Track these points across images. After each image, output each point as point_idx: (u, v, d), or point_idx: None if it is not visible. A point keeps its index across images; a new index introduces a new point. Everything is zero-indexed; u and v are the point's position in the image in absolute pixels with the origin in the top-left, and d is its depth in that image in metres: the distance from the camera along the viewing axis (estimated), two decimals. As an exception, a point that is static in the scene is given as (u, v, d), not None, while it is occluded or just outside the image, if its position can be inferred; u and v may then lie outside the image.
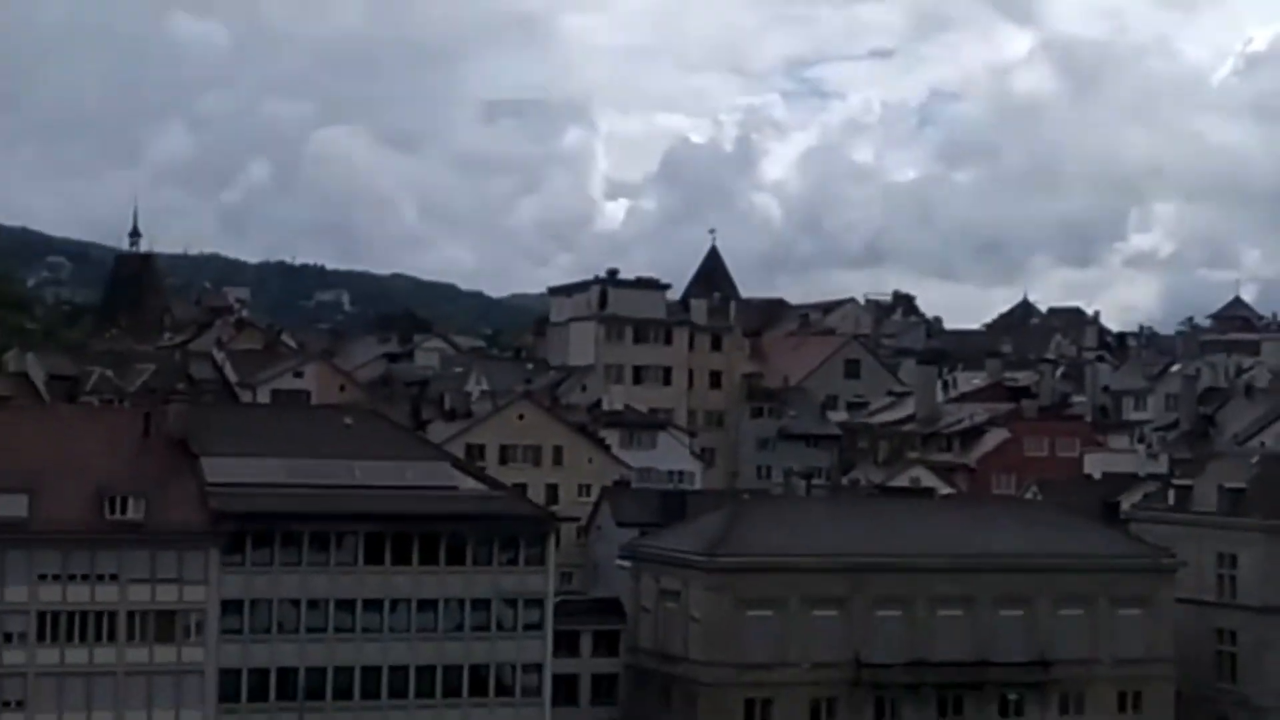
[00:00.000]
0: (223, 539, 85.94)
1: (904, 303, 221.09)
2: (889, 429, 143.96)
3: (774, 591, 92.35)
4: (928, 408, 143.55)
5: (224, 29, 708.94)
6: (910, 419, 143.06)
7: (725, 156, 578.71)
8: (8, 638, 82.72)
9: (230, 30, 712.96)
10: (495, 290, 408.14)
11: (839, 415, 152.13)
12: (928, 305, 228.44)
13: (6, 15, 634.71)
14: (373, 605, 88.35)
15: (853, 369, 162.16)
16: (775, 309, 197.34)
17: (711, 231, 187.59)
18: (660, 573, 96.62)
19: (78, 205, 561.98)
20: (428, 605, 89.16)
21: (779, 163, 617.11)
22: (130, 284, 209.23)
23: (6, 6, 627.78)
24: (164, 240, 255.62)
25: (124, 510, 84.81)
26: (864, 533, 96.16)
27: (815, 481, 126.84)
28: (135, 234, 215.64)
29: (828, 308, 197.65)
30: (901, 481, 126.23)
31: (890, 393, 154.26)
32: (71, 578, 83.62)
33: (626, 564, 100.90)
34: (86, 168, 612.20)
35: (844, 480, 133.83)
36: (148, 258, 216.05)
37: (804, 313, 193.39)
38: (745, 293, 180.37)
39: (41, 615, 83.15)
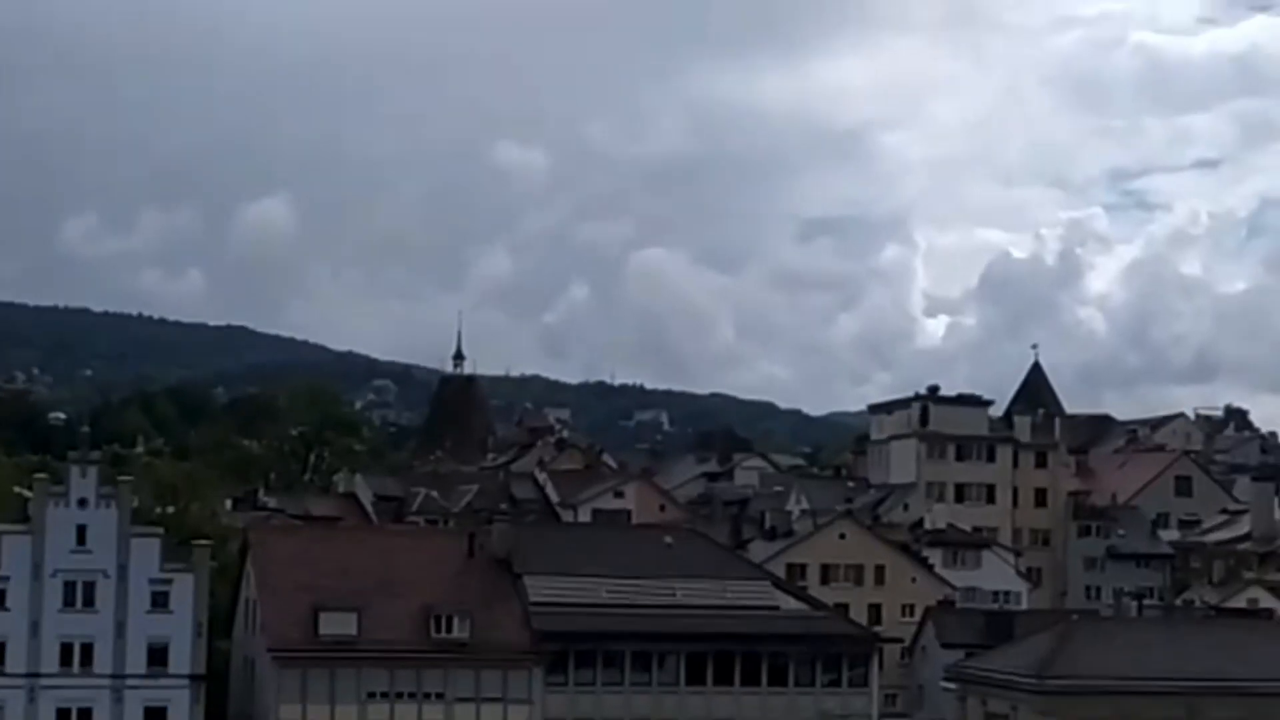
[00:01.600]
0: (546, 658, 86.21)
1: (1236, 417, 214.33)
2: (1224, 548, 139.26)
3: (1106, 715, 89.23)
4: (1264, 526, 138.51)
5: (545, 153, 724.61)
6: (1246, 538, 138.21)
7: (1047, 270, 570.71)
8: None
9: (551, 154, 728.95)
10: (814, 408, 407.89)
11: (1170, 534, 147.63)
12: (1262, 420, 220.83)
13: (337, 145, 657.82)
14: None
15: (1184, 486, 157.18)
16: (1101, 425, 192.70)
17: (1034, 347, 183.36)
18: (987, 695, 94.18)
19: (402, 328, 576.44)
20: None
21: (1103, 276, 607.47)
22: (454, 405, 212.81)
23: (337, 136, 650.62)
24: (486, 362, 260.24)
25: (449, 629, 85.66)
26: (1200, 656, 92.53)
27: (1147, 602, 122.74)
28: (459, 356, 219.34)
29: (1156, 423, 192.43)
30: (1238, 603, 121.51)
31: (1224, 511, 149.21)
32: (399, 696, 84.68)
33: (952, 686, 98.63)
34: (411, 291, 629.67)
35: (1177, 601, 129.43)
36: (471, 379, 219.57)
37: (1132, 429, 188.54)
38: (1070, 409, 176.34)
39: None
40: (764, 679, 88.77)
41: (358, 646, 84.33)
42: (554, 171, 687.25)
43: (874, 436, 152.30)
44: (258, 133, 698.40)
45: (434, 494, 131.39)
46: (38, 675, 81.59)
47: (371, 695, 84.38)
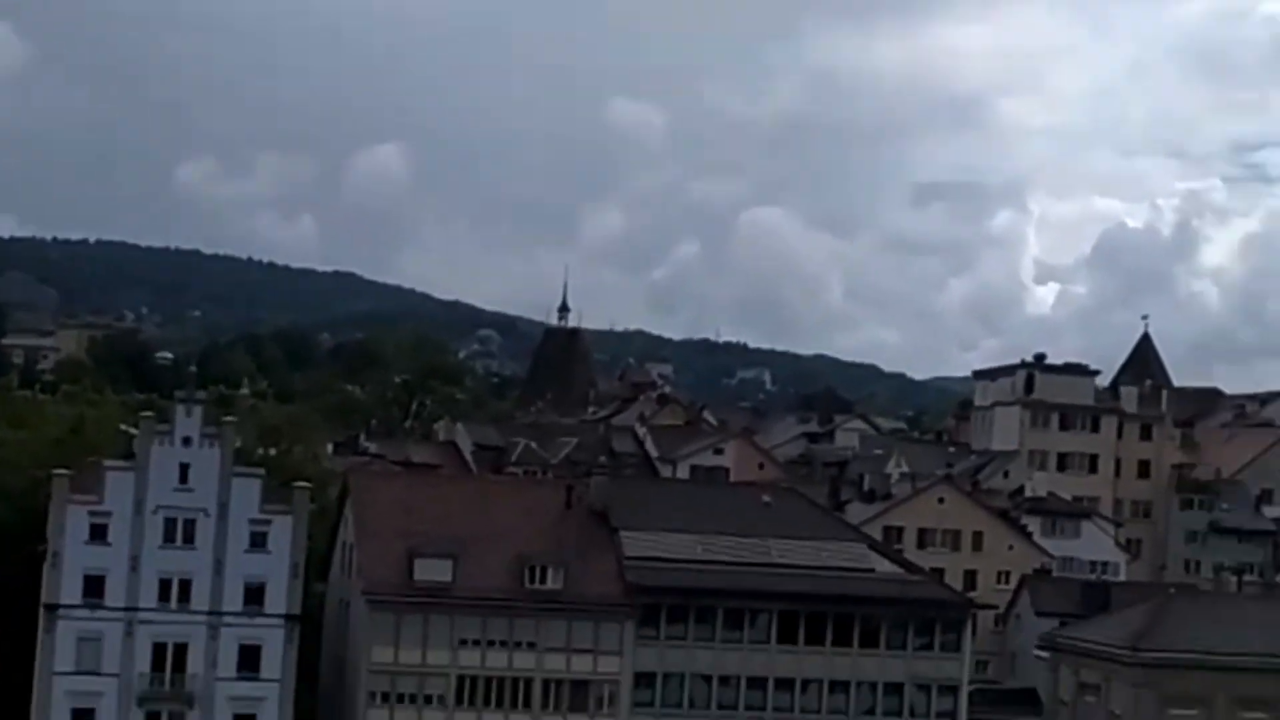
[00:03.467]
0: (638, 612, 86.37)
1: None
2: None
3: (1201, 690, 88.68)
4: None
5: (660, 111, 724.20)
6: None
7: (1162, 241, 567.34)
8: (428, 699, 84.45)
9: (666, 112, 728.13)
10: (918, 372, 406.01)
11: (1274, 510, 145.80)
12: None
13: (455, 98, 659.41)
14: (784, 684, 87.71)
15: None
16: (1209, 398, 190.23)
17: (1144, 317, 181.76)
18: (1080, 665, 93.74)
19: (510, 281, 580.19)
20: (839, 687, 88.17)
21: (1219, 249, 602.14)
22: (557, 358, 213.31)
23: (450, 91, 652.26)
24: (591, 316, 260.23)
25: (543, 580, 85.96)
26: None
27: (1247, 578, 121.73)
28: (564, 309, 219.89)
29: (1266, 398, 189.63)
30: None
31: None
32: (491, 644, 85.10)
33: (1045, 654, 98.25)
34: (521, 245, 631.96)
35: (1278, 578, 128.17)
36: (575, 332, 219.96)
37: (1240, 403, 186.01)
38: (1178, 381, 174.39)
39: (460, 679, 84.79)
40: (856, 640, 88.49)
41: (452, 593, 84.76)
42: (670, 129, 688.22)
43: (978, 402, 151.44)
44: (376, 79, 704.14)
45: (534, 445, 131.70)
46: (136, 609, 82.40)
47: (464, 642, 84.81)
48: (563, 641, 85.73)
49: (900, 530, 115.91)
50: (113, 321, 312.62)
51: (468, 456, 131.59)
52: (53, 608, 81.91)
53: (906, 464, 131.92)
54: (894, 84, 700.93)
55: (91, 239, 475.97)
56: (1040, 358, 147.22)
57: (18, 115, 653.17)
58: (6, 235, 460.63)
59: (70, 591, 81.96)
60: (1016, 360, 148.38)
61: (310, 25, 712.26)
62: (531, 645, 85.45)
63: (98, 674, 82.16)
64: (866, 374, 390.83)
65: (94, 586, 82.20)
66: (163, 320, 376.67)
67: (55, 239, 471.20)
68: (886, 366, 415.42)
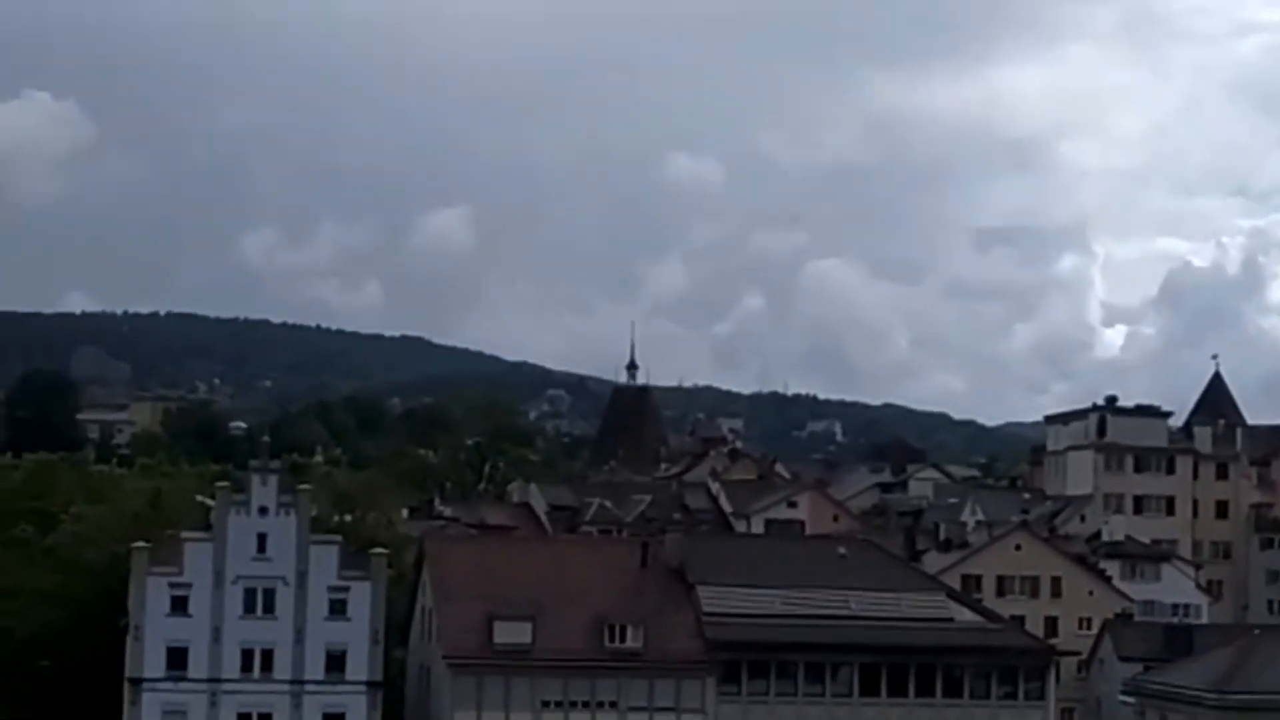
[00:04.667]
0: (719, 668, 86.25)
1: None
2: None
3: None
4: None
5: (718, 163, 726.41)
6: None
7: (1229, 279, 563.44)
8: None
9: (724, 164, 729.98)
10: (989, 419, 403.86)
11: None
12: None
13: (514, 157, 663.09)
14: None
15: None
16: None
17: (1214, 357, 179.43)
18: (1167, 710, 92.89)
19: (576, 339, 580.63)
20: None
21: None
22: (627, 416, 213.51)
23: (514, 148, 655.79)
24: (659, 373, 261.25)
25: (623, 639, 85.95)
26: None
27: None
28: (632, 366, 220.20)
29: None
30: None
31: None
32: (573, 704, 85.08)
33: (1130, 700, 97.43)
34: (584, 303, 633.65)
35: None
36: (644, 390, 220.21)
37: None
38: (1252, 419, 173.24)
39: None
40: (939, 691, 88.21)
41: (532, 655, 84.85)
42: (727, 181, 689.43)
43: (1050, 447, 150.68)
44: (436, 144, 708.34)
45: (607, 504, 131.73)
46: (219, 680, 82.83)
47: (545, 704, 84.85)
48: (645, 700, 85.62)
49: (978, 579, 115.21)
50: (185, 394, 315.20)
51: (542, 517, 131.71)
52: (137, 681, 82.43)
53: (981, 512, 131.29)
54: (951, 128, 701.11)
55: (161, 312, 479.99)
56: (1111, 400, 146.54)
57: (86, 191, 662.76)
58: (78, 311, 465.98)
59: (153, 664, 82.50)
60: (1088, 404, 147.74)
61: (368, 91, 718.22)
62: (614, 705, 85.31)
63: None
64: (937, 422, 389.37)
65: (177, 658, 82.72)
66: (234, 391, 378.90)
67: (126, 313, 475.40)
68: (957, 414, 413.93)
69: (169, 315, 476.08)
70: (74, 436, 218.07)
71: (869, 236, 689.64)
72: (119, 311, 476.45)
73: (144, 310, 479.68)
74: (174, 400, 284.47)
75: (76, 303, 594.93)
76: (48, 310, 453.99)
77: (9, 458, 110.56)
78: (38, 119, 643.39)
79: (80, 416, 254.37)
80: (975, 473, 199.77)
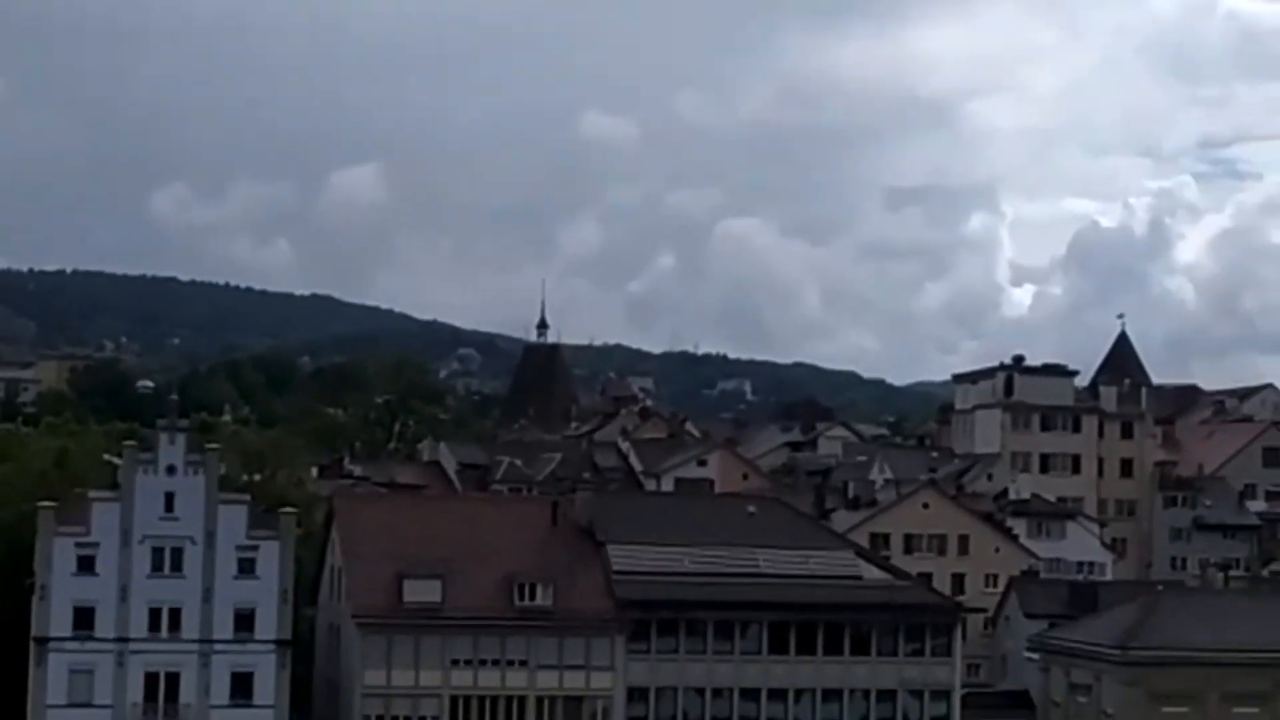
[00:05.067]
0: (628, 626, 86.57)
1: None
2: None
3: (1192, 687, 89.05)
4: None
5: (634, 124, 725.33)
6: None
7: (1136, 240, 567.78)
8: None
9: (640, 124, 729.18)
10: (898, 378, 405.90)
11: (1258, 505, 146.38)
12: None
13: (428, 115, 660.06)
14: (777, 695, 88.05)
15: (1272, 457, 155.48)
16: (1188, 395, 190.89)
17: (1120, 316, 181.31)
18: (1071, 666, 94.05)
19: (487, 298, 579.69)
20: (832, 695, 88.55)
21: (1192, 246, 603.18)
22: (537, 374, 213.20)
23: (428, 106, 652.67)
24: (570, 332, 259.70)
25: (533, 597, 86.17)
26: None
27: (1233, 573, 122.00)
28: (543, 325, 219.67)
29: (1244, 394, 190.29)
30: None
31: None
32: (483, 663, 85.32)
33: (1035, 656, 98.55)
34: (497, 262, 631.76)
35: (1264, 572, 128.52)
36: (554, 348, 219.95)
37: (1219, 399, 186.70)
38: (1157, 379, 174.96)
39: (454, 700, 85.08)
40: (846, 648, 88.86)
41: (442, 614, 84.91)
42: (643, 141, 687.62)
43: (958, 406, 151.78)
44: (349, 102, 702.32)
45: (518, 462, 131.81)
46: (126, 640, 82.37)
47: (455, 662, 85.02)
48: (554, 658, 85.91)
49: (886, 537, 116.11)
50: (92, 352, 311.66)
51: (452, 476, 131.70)
52: (43, 640, 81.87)
53: (890, 470, 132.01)
54: (865, 88, 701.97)
55: (68, 269, 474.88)
56: (1019, 359, 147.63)
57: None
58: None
59: (60, 624, 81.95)
60: (995, 363, 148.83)
61: (279, 48, 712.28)
62: (524, 663, 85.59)
63: (91, 706, 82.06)
64: (847, 381, 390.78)
65: (84, 618, 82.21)
66: (142, 349, 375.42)
67: (32, 270, 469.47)
68: (866, 373, 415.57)
69: (76, 273, 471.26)
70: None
71: (783, 197, 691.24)
72: (25, 269, 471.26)
73: (51, 268, 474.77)
74: (81, 359, 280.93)
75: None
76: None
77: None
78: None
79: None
80: (884, 431, 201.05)
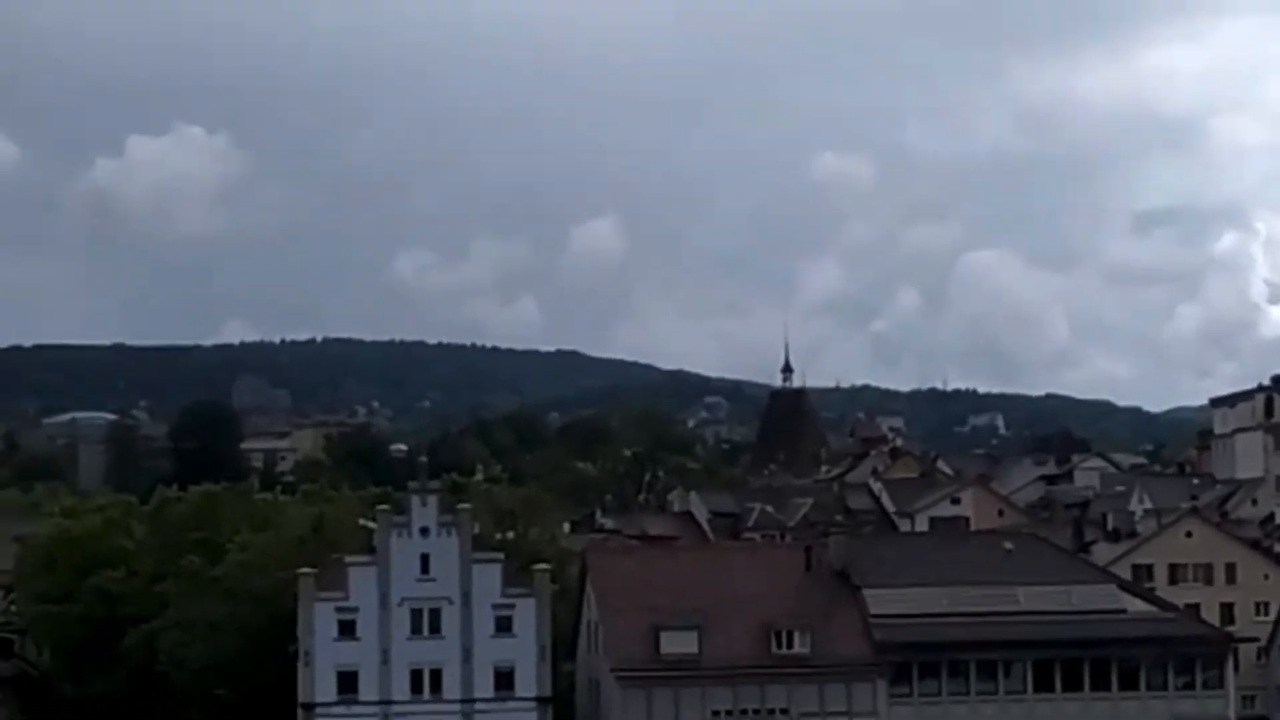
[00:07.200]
0: (889, 670, 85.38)
1: None
2: None
3: None
4: None
5: (867, 161, 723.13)
6: None
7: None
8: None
9: (874, 161, 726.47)
10: (1153, 405, 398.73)
11: None
12: None
13: (660, 163, 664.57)
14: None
15: None
16: None
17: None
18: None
19: (731, 345, 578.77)
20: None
21: None
22: (785, 419, 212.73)
23: (657, 157, 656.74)
24: (816, 374, 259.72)
25: (790, 644, 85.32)
26: None
27: None
28: (787, 369, 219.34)
29: None
30: None
31: None
32: (743, 712, 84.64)
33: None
34: (738, 307, 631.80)
35: None
36: (800, 392, 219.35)
37: None
38: None
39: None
40: (1114, 684, 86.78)
41: (700, 665, 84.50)
42: (877, 179, 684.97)
43: (1217, 430, 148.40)
44: (582, 154, 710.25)
45: (769, 509, 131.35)
46: (390, 703, 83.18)
47: (715, 713, 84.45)
48: (816, 706, 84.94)
49: (1149, 568, 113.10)
50: (345, 418, 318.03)
51: (704, 525, 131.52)
52: (310, 706, 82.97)
53: (1150, 499, 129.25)
54: (1102, 111, 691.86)
55: (319, 338, 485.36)
56: (1278, 380, 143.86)
57: (240, 223, 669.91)
58: (237, 341, 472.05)
59: (324, 689, 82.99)
60: (1254, 384, 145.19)
61: (511, 104, 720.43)
62: (784, 712, 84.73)
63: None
64: (1101, 410, 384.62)
65: (347, 682, 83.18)
66: (394, 414, 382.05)
67: (284, 341, 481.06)
68: (1120, 401, 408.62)
69: (326, 340, 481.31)
70: (239, 466, 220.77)
71: (1024, 226, 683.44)
72: (277, 340, 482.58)
73: (301, 337, 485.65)
74: (334, 425, 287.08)
75: (235, 333, 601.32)
76: (207, 342, 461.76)
77: (176, 490, 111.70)
78: (191, 153, 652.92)
79: (244, 446, 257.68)
80: (1142, 460, 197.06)
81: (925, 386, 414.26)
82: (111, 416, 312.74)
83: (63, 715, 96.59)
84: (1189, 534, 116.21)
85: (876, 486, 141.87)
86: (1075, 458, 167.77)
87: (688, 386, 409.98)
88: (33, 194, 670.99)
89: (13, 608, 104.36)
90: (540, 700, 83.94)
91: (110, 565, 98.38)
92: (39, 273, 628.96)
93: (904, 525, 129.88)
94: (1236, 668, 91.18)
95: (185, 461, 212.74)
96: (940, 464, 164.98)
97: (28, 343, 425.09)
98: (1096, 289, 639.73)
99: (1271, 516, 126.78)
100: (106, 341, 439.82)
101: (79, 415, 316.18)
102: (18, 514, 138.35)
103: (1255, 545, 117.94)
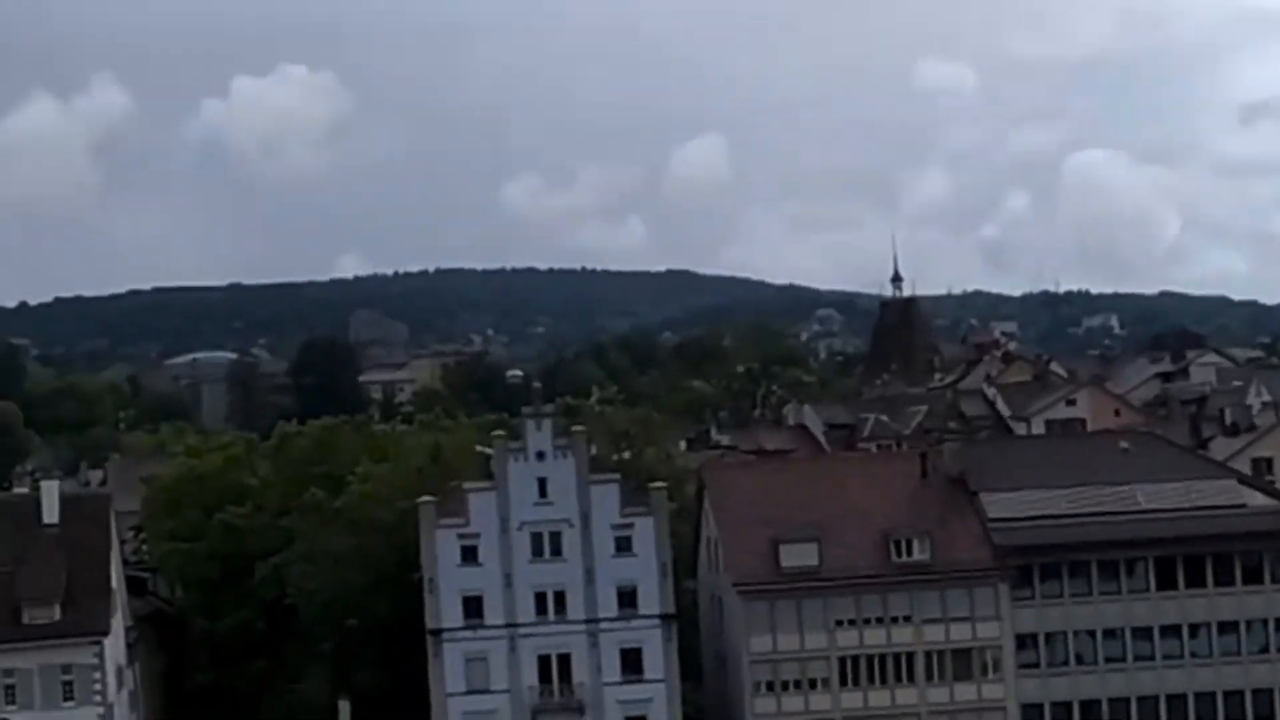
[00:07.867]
0: (1010, 574, 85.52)
1: None
2: None
3: None
4: None
5: (969, 67, 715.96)
6: None
7: None
8: (812, 684, 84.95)
9: (975, 67, 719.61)
10: (1270, 297, 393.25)
11: None
12: None
13: (762, 78, 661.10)
14: (1170, 631, 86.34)
15: None
16: None
17: None
18: None
19: (841, 256, 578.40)
20: (1229, 628, 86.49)
21: None
22: (897, 329, 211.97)
23: (758, 72, 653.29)
24: (926, 282, 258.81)
25: (910, 552, 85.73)
26: None
27: None
28: (897, 279, 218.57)
29: None
30: None
31: None
32: (865, 621, 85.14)
33: None
34: (847, 218, 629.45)
35: None
36: (911, 301, 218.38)
37: None
38: None
39: (841, 660, 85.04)
40: (1237, 579, 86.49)
41: (820, 576, 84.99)
42: (980, 84, 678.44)
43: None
44: (683, 73, 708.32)
45: (884, 418, 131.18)
46: (516, 625, 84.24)
47: (839, 623, 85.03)
48: (938, 612, 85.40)
49: (1269, 461, 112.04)
50: (461, 348, 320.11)
51: (819, 437, 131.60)
52: (437, 632, 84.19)
53: (1267, 392, 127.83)
54: (1203, 6, 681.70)
55: (431, 269, 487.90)
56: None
57: (349, 159, 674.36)
58: (352, 275, 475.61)
59: (451, 615, 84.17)
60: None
61: (609, 27, 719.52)
62: (907, 619, 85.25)
63: (489, 692, 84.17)
64: (1216, 305, 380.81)
65: (473, 607, 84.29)
66: (509, 340, 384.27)
67: (398, 273, 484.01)
68: (1236, 295, 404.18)
69: (439, 271, 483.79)
70: (358, 399, 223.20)
71: (1130, 124, 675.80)
72: (391, 273, 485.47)
73: (414, 269, 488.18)
74: (450, 355, 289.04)
75: (349, 267, 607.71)
76: (322, 278, 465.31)
77: (296, 425, 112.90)
78: (297, 92, 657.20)
79: (362, 379, 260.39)
80: (1259, 353, 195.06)
81: (1037, 290, 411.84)
82: (231, 355, 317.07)
83: (199, 650, 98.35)
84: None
85: (990, 392, 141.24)
86: (1190, 354, 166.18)
87: (799, 301, 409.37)
88: (144, 140, 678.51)
89: (144, 547, 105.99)
90: (664, 617, 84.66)
91: (236, 501, 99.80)
92: (153, 218, 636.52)
93: (1019, 429, 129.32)
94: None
95: (305, 396, 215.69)
96: (1054, 366, 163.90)
97: (146, 286, 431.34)
98: (1205, 183, 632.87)
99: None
100: (223, 282, 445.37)
101: (200, 356, 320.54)
102: (145, 455, 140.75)
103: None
